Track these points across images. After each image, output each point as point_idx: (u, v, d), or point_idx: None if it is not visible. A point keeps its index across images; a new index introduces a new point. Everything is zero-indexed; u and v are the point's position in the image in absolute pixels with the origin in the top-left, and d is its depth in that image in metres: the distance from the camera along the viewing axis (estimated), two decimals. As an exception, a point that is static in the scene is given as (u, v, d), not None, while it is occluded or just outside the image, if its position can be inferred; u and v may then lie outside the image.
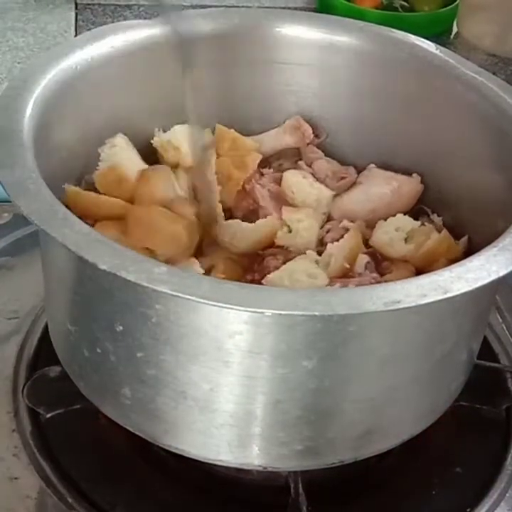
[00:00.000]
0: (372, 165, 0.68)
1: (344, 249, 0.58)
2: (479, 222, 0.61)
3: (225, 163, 0.65)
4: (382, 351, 0.50)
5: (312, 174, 0.67)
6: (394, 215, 0.63)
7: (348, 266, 0.58)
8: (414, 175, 0.66)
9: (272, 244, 0.62)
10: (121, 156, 0.62)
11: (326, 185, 0.67)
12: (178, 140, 0.65)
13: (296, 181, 0.66)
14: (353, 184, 0.68)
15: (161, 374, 0.51)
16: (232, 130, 0.67)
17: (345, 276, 0.57)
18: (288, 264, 0.57)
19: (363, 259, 0.59)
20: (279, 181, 0.67)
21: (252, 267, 0.60)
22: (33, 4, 1.12)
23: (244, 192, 0.65)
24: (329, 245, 0.59)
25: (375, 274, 0.58)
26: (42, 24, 1.08)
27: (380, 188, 0.66)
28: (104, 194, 0.61)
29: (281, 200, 0.65)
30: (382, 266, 0.60)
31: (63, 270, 0.54)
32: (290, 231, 0.63)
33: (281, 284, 0.55)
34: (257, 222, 0.62)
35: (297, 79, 0.70)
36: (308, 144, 0.70)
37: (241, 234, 0.61)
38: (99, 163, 0.62)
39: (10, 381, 0.65)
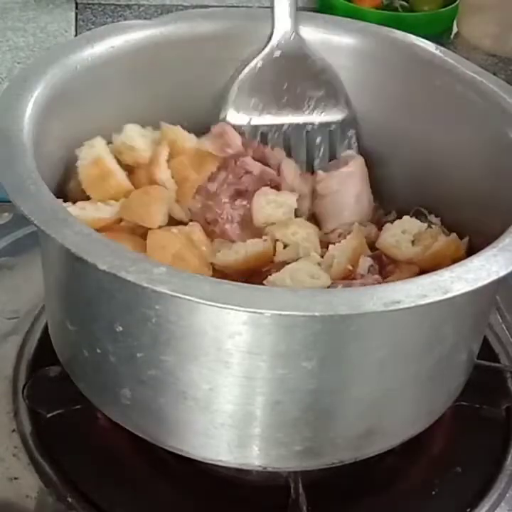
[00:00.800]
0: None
1: (346, 251, 0.58)
2: (479, 222, 0.61)
3: (182, 164, 0.63)
4: (382, 351, 0.50)
5: (274, 186, 0.64)
6: (400, 217, 0.63)
7: (351, 267, 0.57)
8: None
9: (260, 266, 0.59)
10: (101, 153, 0.61)
11: (294, 189, 0.64)
12: (131, 138, 0.63)
13: (261, 209, 0.62)
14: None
15: (161, 374, 0.51)
16: (178, 128, 0.64)
17: (348, 277, 0.57)
18: (290, 265, 0.57)
19: (367, 262, 0.58)
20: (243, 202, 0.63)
21: (252, 277, 0.59)
22: (33, 4, 1.12)
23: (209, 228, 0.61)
24: (331, 247, 0.59)
25: (377, 276, 0.57)
26: (42, 24, 1.08)
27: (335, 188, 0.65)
28: (89, 191, 0.60)
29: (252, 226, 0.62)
30: (387, 269, 0.60)
31: (63, 270, 0.54)
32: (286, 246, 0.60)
33: (283, 284, 0.55)
34: (249, 241, 0.59)
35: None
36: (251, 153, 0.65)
37: (226, 253, 0.58)
38: (78, 162, 0.60)
39: (10, 381, 0.65)
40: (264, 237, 0.60)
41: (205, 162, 0.63)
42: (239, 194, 0.62)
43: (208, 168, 0.63)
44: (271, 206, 0.62)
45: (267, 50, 0.67)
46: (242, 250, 0.58)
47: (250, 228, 0.61)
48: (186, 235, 0.58)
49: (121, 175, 0.62)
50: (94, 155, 0.61)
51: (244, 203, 0.62)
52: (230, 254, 0.58)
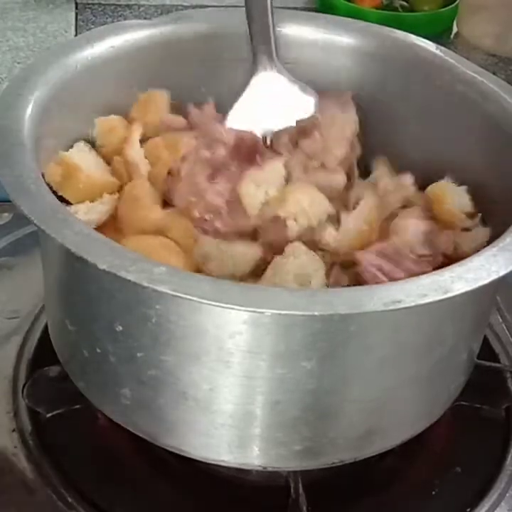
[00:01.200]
0: None
1: (361, 217, 0.56)
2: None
3: (156, 144, 0.61)
4: (382, 351, 0.50)
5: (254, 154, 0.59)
6: None
7: (366, 227, 0.55)
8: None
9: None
10: (64, 153, 0.59)
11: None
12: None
13: (252, 197, 0.56)
14: None
15: (161, 374, 0.51)
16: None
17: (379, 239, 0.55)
18: (282, 263, 0.54)
19: (420, 225, 0.54)
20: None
21: None
22: (33, 4, 1.12)
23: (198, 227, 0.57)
24: (343, 217, 0.56)
25: (427, 258, 0.54)
26: (42, 24, 1.08)
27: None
28: (62, 193, 0.57)
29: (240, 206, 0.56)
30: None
31: (63, 270, 0.54)
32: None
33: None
34: (238, 248, 0.55)
35: (297, 79, 0.70)
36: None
37: (219, 261, 0.55)
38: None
39: (10, 381, 0.65)
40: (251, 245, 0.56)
41: (177, 143, 0.60)
42: (216, 171, 0.57)
43: (180, 149, 0.60)
44: (261, 190, 0.56)
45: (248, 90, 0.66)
46: (231, 264, 0.55)
47: (239, 210, 0.56)
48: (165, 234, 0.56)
49: (93, 168, 0.59)
50: (58, 156, 0.58)
51: (228, 185, 0.56)
52: (216, 270, 0.54)
